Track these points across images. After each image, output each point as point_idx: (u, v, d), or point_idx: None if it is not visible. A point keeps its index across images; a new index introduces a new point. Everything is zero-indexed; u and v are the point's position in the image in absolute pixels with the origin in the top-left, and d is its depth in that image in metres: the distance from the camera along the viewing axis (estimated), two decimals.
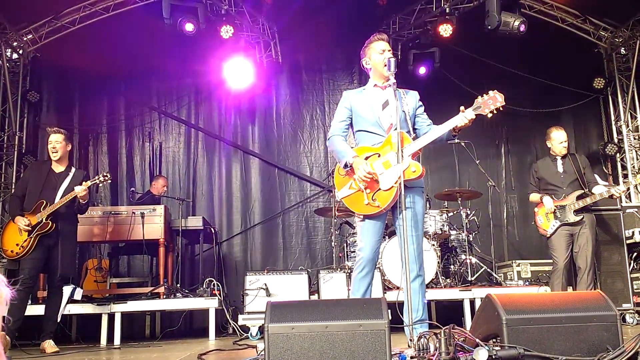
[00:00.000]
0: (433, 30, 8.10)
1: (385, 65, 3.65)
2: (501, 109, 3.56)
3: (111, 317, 5.87)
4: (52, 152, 5.35)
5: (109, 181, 5.35)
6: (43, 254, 5.15)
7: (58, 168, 5.38)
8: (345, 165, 3.65)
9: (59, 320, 5.45)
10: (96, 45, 8.17)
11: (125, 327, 6.35)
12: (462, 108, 3.58)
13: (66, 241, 5.25)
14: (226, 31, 7.71)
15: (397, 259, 5.91)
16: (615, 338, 2.56)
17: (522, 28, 7.21)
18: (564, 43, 8.78)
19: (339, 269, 6.23)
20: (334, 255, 6.89)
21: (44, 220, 5.10)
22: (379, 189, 3.54)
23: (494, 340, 2.66)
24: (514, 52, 8.36)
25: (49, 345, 5.07)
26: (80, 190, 5.09)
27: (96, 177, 5.28)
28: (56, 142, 5.34)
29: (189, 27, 7.30)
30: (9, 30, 7.77)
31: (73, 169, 5.46)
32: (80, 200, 5.21)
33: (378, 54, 3.76)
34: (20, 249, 5.08)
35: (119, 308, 5.89)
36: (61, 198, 5.18)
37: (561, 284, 5.40)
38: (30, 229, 5.07)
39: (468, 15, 7.93)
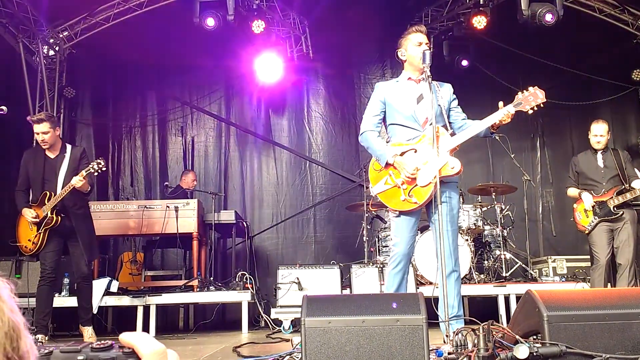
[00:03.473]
0: (466, 23, 7.95)
1: (421, 58, 3.53)
2: (542, 105, 3.45)
3: (146, 309, 5.96)
4: (43, 144, 4.97)
5: (104, 169, 4.93)
6: (58, 244, 4.98)
7: (53, 153, 5.06)
8: (386, 164, 3.56)
9: (95, 311, 5.52)
10: (130, 42, 8.30)
11: (160, 319, 6.43)
12: (500, 104, 3.49)
13: (81, 225, 5.02)
14: (258, 26, 7.74)
15: (429, 253, 5.85)
16: None
17: (549, 18, 6.96)
18: (601, 34, 8.56)
19: (370, 264, 6.20)
20: (365, 249, 6.85)
21: (48, 215, 4.88)
22: (416, 185, 3.48)
23: (534, 337, 2.60)
24: (550, 44, 8.18)
25: (87, 332, 5.06)
26: (76, 181, 4.77)
27: (90, 166, 4.83)
28: (43, 132, 4.90)
29: (210, 22, 7.32)
30: (46, 28, 7.91)
31: (68, 148, 5.11)
32: (82, 191, 4.95)
33: (415, 46, 3.63)
34: (32, 245, 4.91)
35: (154, 300, 5.96)
36: (63, 184, 4.91)
37: (603, 281, 5.28)
38: (37, 220, 4.87)
39: (502, 6, 7.77)
